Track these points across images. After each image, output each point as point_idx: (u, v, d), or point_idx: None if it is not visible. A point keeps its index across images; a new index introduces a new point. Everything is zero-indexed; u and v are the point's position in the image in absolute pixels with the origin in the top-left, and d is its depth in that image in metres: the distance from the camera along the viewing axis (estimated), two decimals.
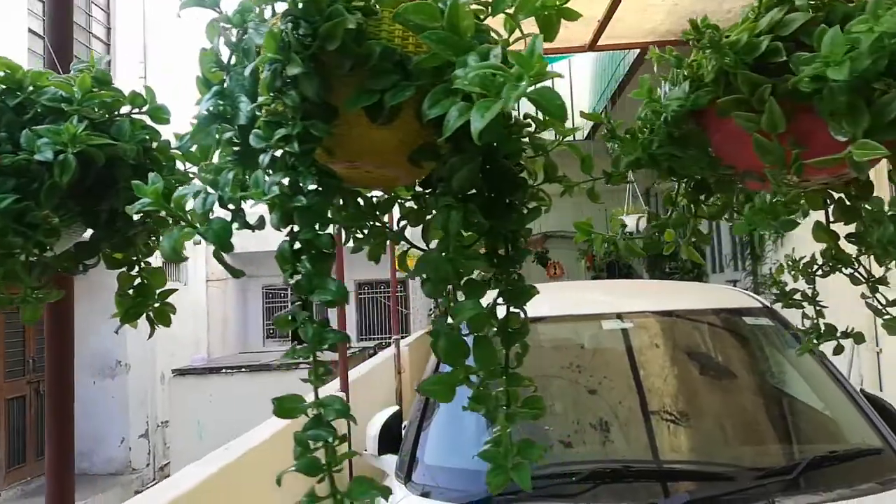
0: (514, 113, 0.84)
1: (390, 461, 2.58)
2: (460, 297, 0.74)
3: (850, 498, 1.98)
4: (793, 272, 1.21)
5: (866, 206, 0.93)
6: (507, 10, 0.74)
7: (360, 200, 0.90)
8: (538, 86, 0.59)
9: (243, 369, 6.60)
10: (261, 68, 0.68)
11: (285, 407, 0.73)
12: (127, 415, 8.97)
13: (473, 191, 0.79)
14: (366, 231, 0.92)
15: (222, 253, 0.71)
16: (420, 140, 0.75)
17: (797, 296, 1.23)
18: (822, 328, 1.20)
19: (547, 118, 0.84)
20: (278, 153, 0.67)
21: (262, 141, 0.67)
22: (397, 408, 2.84)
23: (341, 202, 0.90)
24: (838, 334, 1.19)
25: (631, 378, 2.87)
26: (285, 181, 0.66)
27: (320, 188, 0.68)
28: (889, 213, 0.78)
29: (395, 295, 5.53)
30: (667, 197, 1.00)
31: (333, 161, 0.77)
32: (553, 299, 3.61)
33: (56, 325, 1.09)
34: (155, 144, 1.01)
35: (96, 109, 0.93)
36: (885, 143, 0.65)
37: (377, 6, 0.73)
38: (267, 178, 0.67)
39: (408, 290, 11.75)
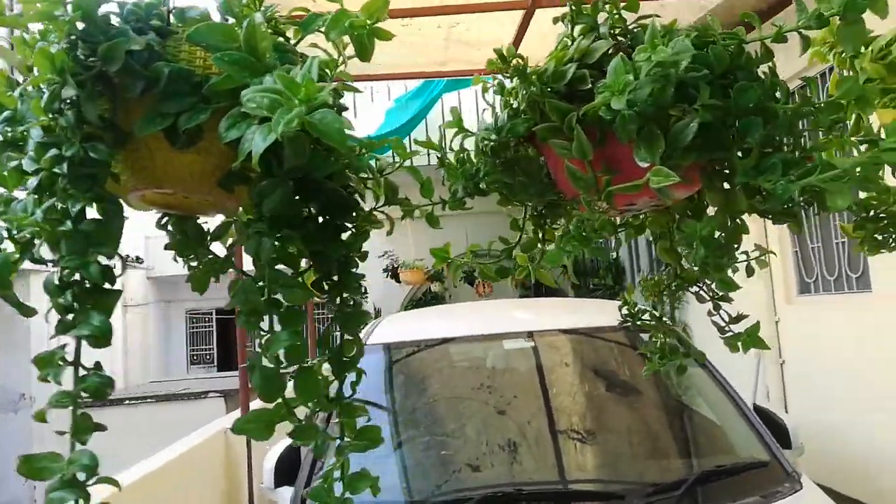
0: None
1: (286, 494, 2.50)
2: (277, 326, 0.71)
3: None
4: (644, 292, 1.24)
5: (680, 227, 0.95)
6: (320, 30, 0.72)
7: (188, 227, 0.86)
8: (320, 112, 0.57)
9: (149, 399, 6.30)
10: (39, 88, 0.63)
11: (34, 467, 0.66)
12: (31, 450, 8.40)
13: (304, 213, 0.76)
14: (197, 259, 0.87)
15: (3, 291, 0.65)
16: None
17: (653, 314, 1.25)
18: (667, 348, 1.22)
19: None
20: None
21: (34, 163, 0.62)
22: None
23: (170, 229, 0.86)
24: (681, 352, 1.21)
25: (539, 397, 2.90)
26: (58, 205, 0.61)
27: (102, 214, 0.64)
28: (701, 234, 0.80)
29: (312, 318, 5.41)
30: (513, 222, 1.00)
31: (140, 187, 0.73)
32: (455, 319, 3.63)
33: None
34: None
35: None
36: (688, 167, 0.66)
37: (179, 26, 0.70)
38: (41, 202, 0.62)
39: None
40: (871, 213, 0.99)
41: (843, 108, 0.75)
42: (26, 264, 0.65)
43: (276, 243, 0.68)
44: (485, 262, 1.01)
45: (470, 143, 0.90)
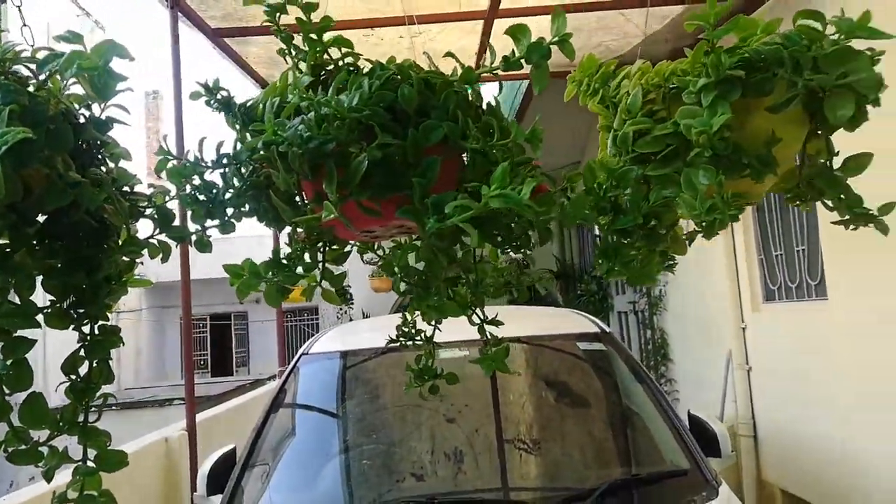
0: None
1: (217, 502, 2.52)
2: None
3: None
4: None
5: None
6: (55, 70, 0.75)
7: None
8: None
9: (113, 407, 6.36)
10: None
11: None
12: None
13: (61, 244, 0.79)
14: None
15: None
16: None
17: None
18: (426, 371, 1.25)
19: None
20: None
21: None
22: (232, 446, 2.78)
23: None
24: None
25: (489, 405, 2.92)
26: None
27: None
28: (399, 264, 0.82)
29: (282, 325, 5.45)
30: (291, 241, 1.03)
31: None
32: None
33: None
34: None
35: None
36: (386, 200, 0.68)
37: None
38: None
39: (320, 316, 11.64)
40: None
41: (522, 150, 0.78)
42: None
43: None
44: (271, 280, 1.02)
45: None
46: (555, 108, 4.52)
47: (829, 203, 1.13)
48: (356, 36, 4.47)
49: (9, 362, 0.71)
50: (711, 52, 0.88)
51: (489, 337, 1.21)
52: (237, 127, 0.82)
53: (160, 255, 0.89)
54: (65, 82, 0.76)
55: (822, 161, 1.12)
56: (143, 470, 2.86)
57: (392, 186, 0.73)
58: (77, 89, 0.81)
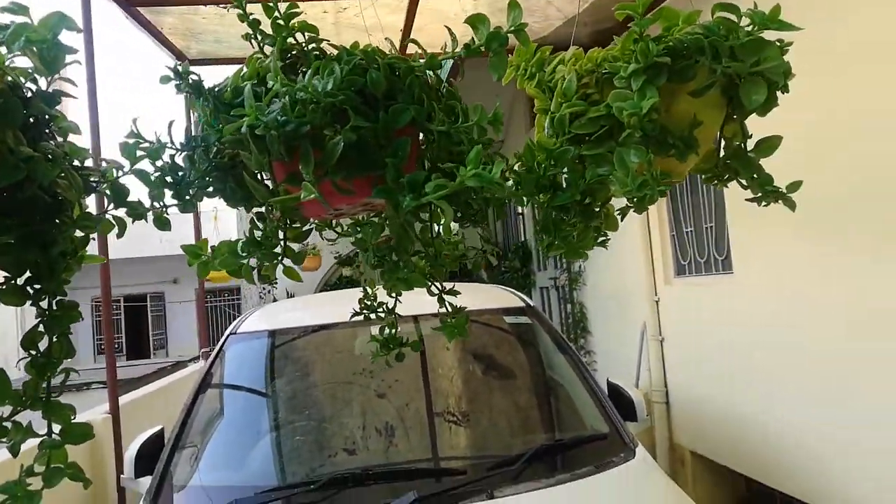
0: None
1: (146, 484, 2.48)
2: None
3: (568, 482, 2.17)
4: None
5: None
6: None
7: None
8: None
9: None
10: None
11: None
12: None
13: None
14: None
15: None
16: None
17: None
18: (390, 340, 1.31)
19: None
20: None
21: None
22: (160, 427, 2.73)
23: None
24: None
25: (419, 379, 2.97)
26: None
27: None
28: (370, 240, 0.87)
29: (203, 305, 5.33)
30: (251, 220, 1.04)
31: None
32: (338, 305, 3.65)
33: None
34: None
35: None
36: (358, 179, 0.72)
37: None
38: None
39: (241, 297, 11.40)
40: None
41: (484, 131, 0.84)
42: None
43: None
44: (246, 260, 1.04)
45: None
46: (477, 88, 4.58)
47: (744, 182, 1.23)
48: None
49: None
50: (640, 40, 0.95)
51: (448, 308, 1.27)
52: (207, 110, 0.82)
53: (114, 230, 0.89)
54: (9, 56, 0.74)
55: (738, 143, 1.22)
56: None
57: (365, 166, 0.76)
58: (21, 63, 0.79)
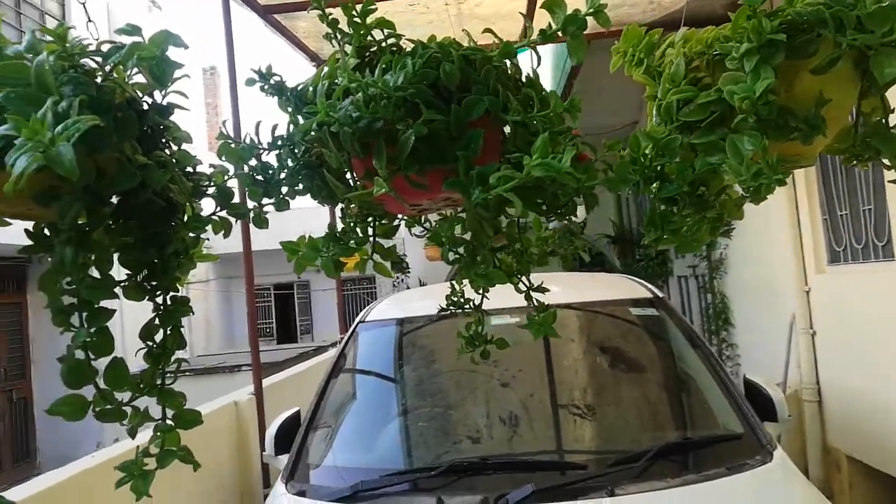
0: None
1: (284, 461, 2.66)
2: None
3: (695, 483, 2.06)
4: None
5: None
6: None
7: None
8: (59, 146, 0.66)
9: (187, 373, 6.69)
10: None
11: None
12: None
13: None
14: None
15: None
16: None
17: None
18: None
19: None
20: None
21: None
22: (297, 408, 2.91)
23: None
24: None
25: (543, 371, 2.96)
26: None
27: None
28: (446, 235, 0.86)
29: (341, 293, 5.60)
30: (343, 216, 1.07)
31: None
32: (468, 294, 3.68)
33: None
34: None
35: None
36: (433, 173, 0.72)
37: None
38: None
39: (376, 285, 11.85)
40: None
41: (562, 119, 0.80)
42: None
43: (81, 252, 0.78)
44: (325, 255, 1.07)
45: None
46: (609, 72, 4.39)
47: (886, 161, 1.11)
48: (402, 5, 4.46)
49: (92, 330, 0.79)
50: (753, 17, 0.87)
51: (537, 304, 1.24)
52: (289, 110, 0.87)
53: (222, 231, 0.96)
54: (128, 72, 0.82)
55: (878, 119, 1.09)
56: (216, 431, 3.04)
57: (438, 160, 0.77)
58: (140, 78, 0.87)
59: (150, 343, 0.90)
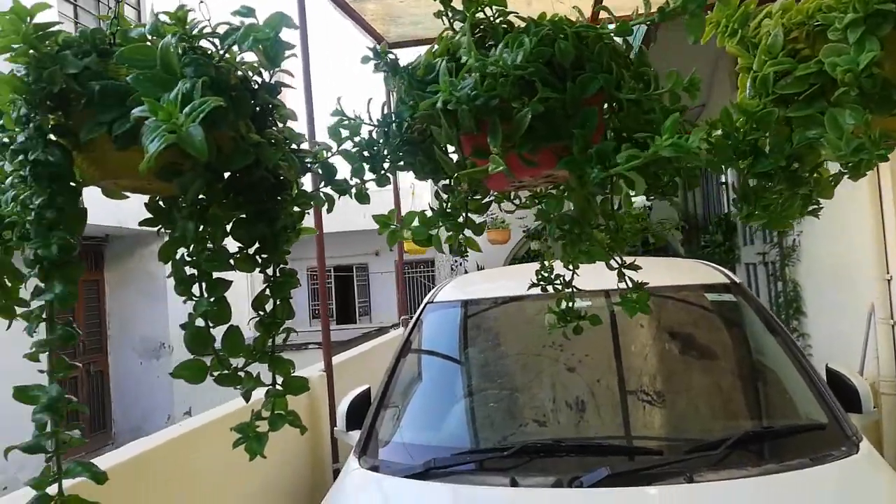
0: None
1: (356, 437, 2.72)
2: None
3: (776, 473, 2.01)
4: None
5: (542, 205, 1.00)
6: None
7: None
8: (189, 126, 0.69)
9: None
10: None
11: (26, 395, 0.83)
12: (172, 394, 9.48)
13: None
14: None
15: None
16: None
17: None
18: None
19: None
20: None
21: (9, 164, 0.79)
22: (367, 386, 2.97)
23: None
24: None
25: (611, 356, 2.92)
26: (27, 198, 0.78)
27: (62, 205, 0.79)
28: (552, 213, 0.84)
29: (401, 276, 5.66)
30: (435, 192, 1.08)
31: (103, 179, 0.89)
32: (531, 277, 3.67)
33: None
34: None
35: None
36: (543, 151, 0.72)
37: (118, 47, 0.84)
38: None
39: (436, 269, 11.91)
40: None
41: (678, 98, 0.77)
42: None
43: (200, 225, 0.81)
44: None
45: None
46: (676, 50, 4.29)
47: None
48: None
49: (211, 300, 0.82)
50: None
51: (628, 283, 1.23)
52: (402, 87, 0.88)
53: (325, 206, 0.98)
54: (240, 53, 0.84)
55: None
56: (290, 405, 3.12)
57: (552, 137, 0.77)
58: (248, 58, 0.90)
59: (262, 312, 0.93)
